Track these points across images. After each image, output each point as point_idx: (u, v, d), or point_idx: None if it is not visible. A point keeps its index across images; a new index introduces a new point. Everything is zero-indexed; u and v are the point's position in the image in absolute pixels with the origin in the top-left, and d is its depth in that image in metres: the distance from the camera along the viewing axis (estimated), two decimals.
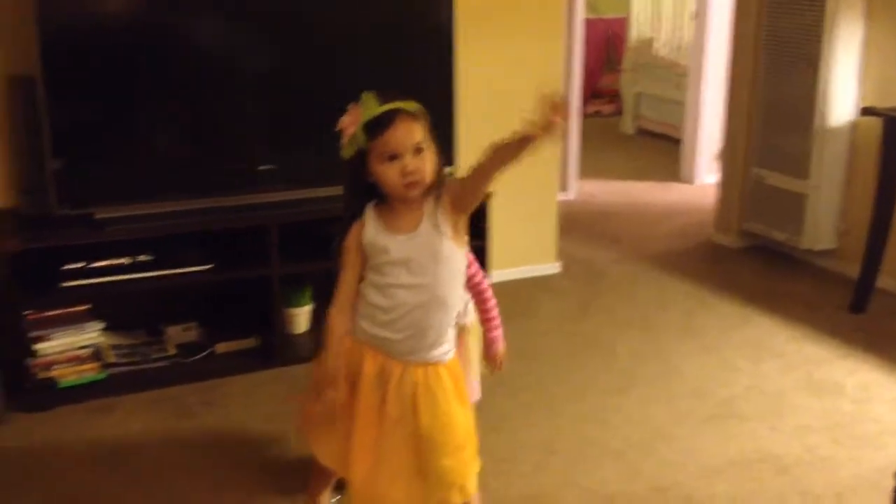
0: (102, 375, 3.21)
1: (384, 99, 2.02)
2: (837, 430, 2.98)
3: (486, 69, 3.96)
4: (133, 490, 2.61)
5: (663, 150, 6.91)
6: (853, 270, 4.01)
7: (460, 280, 2.09)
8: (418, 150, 1.99)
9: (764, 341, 3.64)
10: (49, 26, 2.93)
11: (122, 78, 3.10)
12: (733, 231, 4.78)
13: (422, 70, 3.52)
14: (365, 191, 2.06)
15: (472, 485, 2.15)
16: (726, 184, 4.86)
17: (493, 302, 2.46)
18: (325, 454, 2.21)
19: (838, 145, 4.22)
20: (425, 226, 2.01)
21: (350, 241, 2.09)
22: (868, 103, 4.04)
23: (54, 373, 3.14)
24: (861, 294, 3.91)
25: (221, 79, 3.26)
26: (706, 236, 4.95)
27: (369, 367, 2.08)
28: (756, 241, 4.69)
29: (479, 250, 3.60)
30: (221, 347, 3.43)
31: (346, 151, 2.05)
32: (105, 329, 3.29)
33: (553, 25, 4.16)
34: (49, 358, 3.14)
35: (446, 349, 2.10)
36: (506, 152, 1.92)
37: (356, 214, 2.08)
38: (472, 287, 2.38)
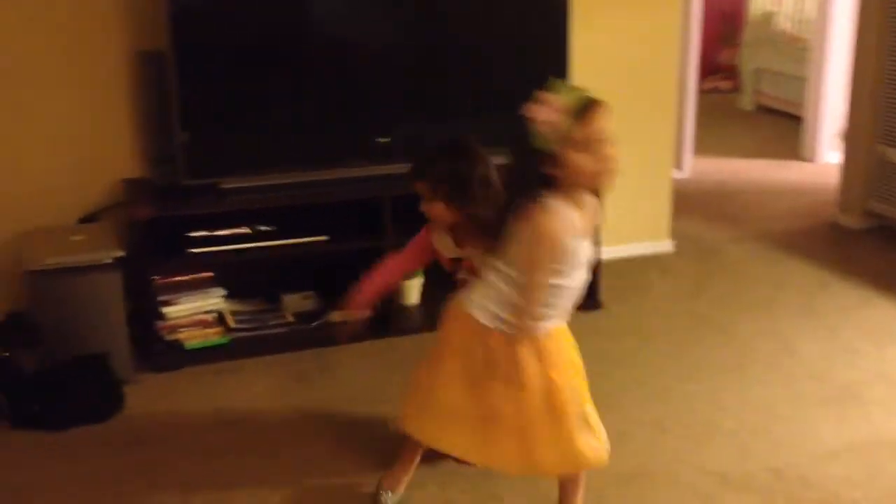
0: (226, 339, 3.34)
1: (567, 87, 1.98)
2: None
3: (601, 42, 3.92)
4: (255, 447, 2.73)
5: (783, 127, 6.71)
6: None
7: None
8: (607, 140, 1.96)
9: (887, 325, 3.52)
10: (178, 2, 3.04)
11: (247, 53, 3.21)
12: (856, 211, 4.62)
13: (537, 42, 3.52)
14: (538, 181, 1.98)
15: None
16: (849, 162, 4.69)
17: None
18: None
19: None
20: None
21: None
22: None
23: (181, 335, 3.28)
24: None
25: (344, 53, 3.34)
26: (828, 216, 4.80)
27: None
28: (881, 221, 4.53)
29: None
30: (336, 316, 3.52)
31: (544, 140, 1.93)
32: (227, 296, 3.42)
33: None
34: (176, 321, 3.29)
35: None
36: None
37: (519, 204, 2.00)
38: None
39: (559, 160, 1.95)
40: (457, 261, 2.48)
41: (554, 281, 2.05)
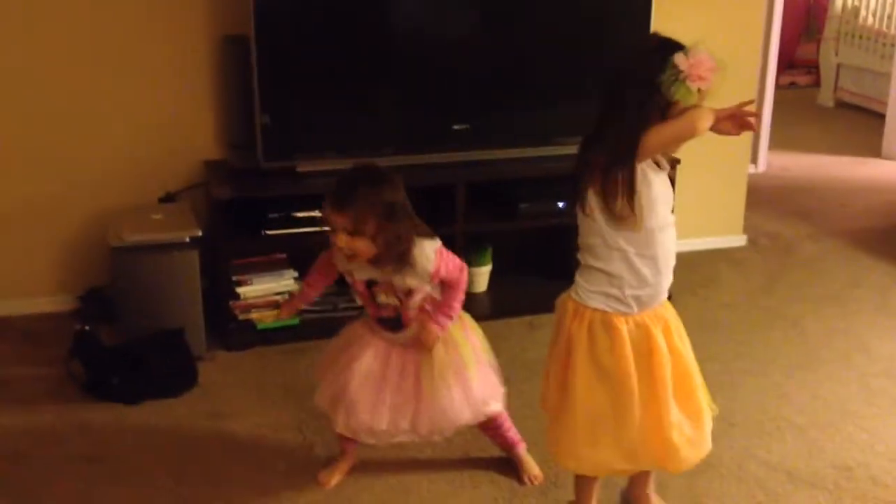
0: (296, 321, 3.39)
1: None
2: None
3: (683, 34, 3.86)
4: (320, 423, 2.78)
5: (864, 124, 6.55)
6: None
7: None
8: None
9: None
10: None
11: (328, 38, 3.26)
12: None
13: (620, 33, 3.51)
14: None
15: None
16: None
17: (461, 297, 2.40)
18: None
19: None
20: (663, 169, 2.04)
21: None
22: None
23: (253, 315, 3.35)
24: None
25: (423, 40, 3.38)
26: None
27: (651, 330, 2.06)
28: None
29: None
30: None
31: (686, 94, 1.92)
32: (299, 278, 3.48)
33: None
34: (249, 301, 3.36)
35: None
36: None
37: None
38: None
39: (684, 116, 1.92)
40: (372, 283, 2.34)
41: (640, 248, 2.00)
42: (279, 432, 2.76)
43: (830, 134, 6.46)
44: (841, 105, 7.18)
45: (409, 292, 2.30)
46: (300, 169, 3.29)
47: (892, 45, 6.14)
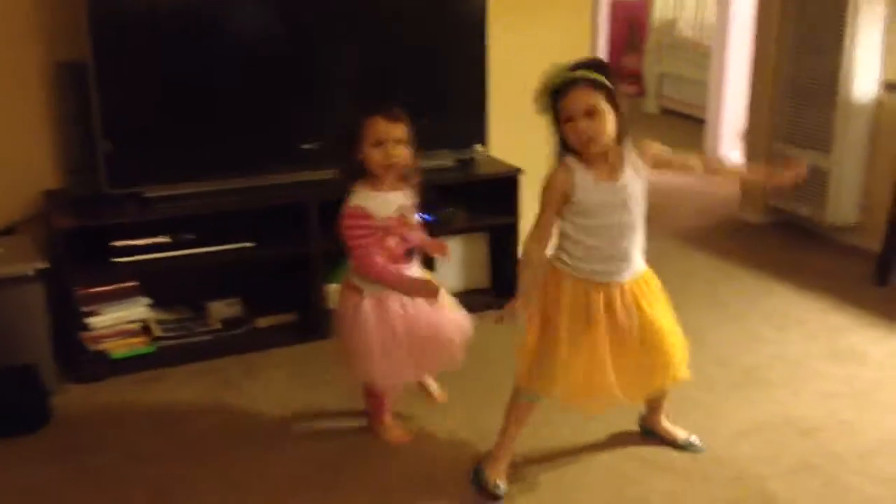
0: (151, 348, 3.35)
1: (576, 68, 2.37)
2: (860, 396, 3.07)
3: (514, 49, 4.05)
4: (184, 452, 2.76)
5: (687, 129, 6.98)
6: (875, 245, 4.09)
7: (642, 210, 2.51)
8: (590, 114, 2.34)
9: (787, 312, 3.74)
10: (98, 12, 3.05)
11: (169, 62, 3.24)
12: (758, 207, 4.86)
13: (455, 50, 3.64)
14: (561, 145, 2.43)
15: (683, 371, 2.63)
16: (750, 160, 4.93)
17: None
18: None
19: (861, 121, 4.29)
20: (628, 172, 2.42)
21: (556, 184, 2.42)
22: (890, 78, 4.11)
23: (106, 345, 3.28)
24: (883, 267, 4.00)
25: (265, 59, 3.38)
26: (731, 212, 5.03)
27: (595, 297, 2.47)
28: (780, 216, 4.78)
29: (509, 227, 3.72)
30: (262, 322, 3.57)
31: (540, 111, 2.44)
32: (151, 305, 3.43)
33: (580, 6, 4.25)
34: (100, 332, 3.28)
35: (642, 263, 2.56)
36: (721, 171, 2.65)
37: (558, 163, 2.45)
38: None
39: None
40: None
41: (582, 221, 2.46)
42: (140, 463, 2.71)
43: (657, 139, 6.69)
44: (665, 112, 7.62)
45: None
46: (146, 194, 3.24)
47: (708, 55, 6.57)
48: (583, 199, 2.41)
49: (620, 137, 2.41)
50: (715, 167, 2.65)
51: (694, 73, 7.15)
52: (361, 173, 2.62)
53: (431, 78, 3.63)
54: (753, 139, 4.91)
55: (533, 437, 2.77)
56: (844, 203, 4.39)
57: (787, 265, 4.24)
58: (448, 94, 3.68)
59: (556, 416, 2.86)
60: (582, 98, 2.34)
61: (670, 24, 7.62)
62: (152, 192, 3.25)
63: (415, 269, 2.72)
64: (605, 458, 2.73)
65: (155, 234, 3.28)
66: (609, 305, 2.48)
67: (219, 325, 3.51)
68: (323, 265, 3.54)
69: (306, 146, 3.44)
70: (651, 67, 7.72)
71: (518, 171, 3.68)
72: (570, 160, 2.42)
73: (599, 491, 2.57)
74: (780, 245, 4.54)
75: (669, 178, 5.75)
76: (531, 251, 2.44)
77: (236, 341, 3.46)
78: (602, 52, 5.65)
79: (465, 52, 3.67)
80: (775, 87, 4.66)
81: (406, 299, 2.64)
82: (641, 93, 8.03)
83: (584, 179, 2.40)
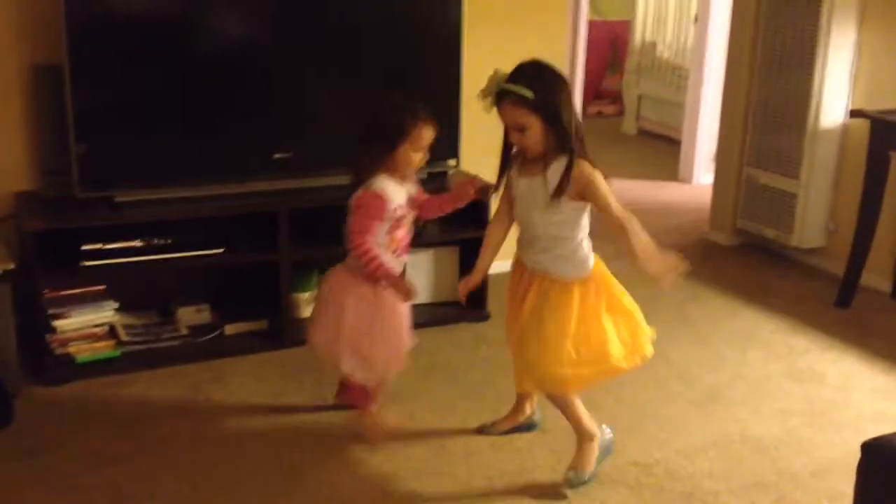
0: (117, 353, 3.35)
1: (512, 78, 2.48)
2: (817, 415, 3.12)
3: (490, 68, 4.08)
4: (147, 455, 2.77)
5: (663, 150, 7.05)
6: (840, 268, 4.15)
7: (569, 226, 2.59)
8: (519, 128, 2.47)
9: (751, 332, 3.79)
10: (75, 16, 3.08)
11: (144, 68, 3.27)
12: (727, 229, 4.93)
13: (431, 67, 3.69)
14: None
15: (548, 384, 2.67)
16: (720, 183, 5.00)
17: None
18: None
19: (829, 147, 4.37)
20: (548, 177, 2.50)
21: (506, 172, 2.64)
22: (858, 106, 4.19)
23: (71, 349, 3.28)
24: (846, 290, 4.06)
25: (240, 68, 3.42)
26: (701, 234, 5.09)
27: (518, 277, 2.70)
28: (749, 238, 4.84)
29: (480, 242, 3.75)
30: (231, 329, 3.58)
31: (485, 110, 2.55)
32: (119, 309, 3.44)
33: (557, 27, 4.30)
34: (67, 335, 3.29)
35: (560, 268, 2.61)
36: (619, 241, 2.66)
37: (506, 157, 2.64)
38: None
39: None
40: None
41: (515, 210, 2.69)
42: (103, 466, 2.72)
43: (634, 160, 6.92)
44: (643, 133, 7.70)
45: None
46: (118, 199, 3.26)
47: (686, 78, 6.66)
48: (512, 189, 2.62)
49: (564, 147, 2.48)
50: (616, 235, 2.63)
51: (672, 95, 7.23)
52: (382, 165, 2.70)
53: (408, 90, 3.65)
54: (724, 162, 4.98)
55: (490, 455, 2.81)
56: (811, 226, 4.46)
57: (754, 287, 4.30)
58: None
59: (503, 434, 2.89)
60: (508, 113, 2.48)
61: (651, 46, 7.71)
62: (123, 197, 3.27)
63: (398, 268, 2.81)
64: (558, 470, 2.74)
65: (125, 239, 3.29)
66: (524, 289, 2.67)
67: (186, 331, 3.53)
68: (293, 273, 3.57)
69: (278, 155, 3.47)
70: (630, 88, 7.80)
71: (489, 185, 3.71)
72: (514, 156, 2.63)
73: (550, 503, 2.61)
74: (748, 267, 4.60)
75: (639, 198, 5.84)
76: (486, 231, 2.74)
77: (204, 347, 3.48)
78: (580, 72, 5.72)
79: (440, 69, 3.71)
80: (746, 111, 4.73)
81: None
82: (620, 113, 8.12)
83: (517, 172, 2.61)
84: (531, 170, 2.56)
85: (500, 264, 4.18)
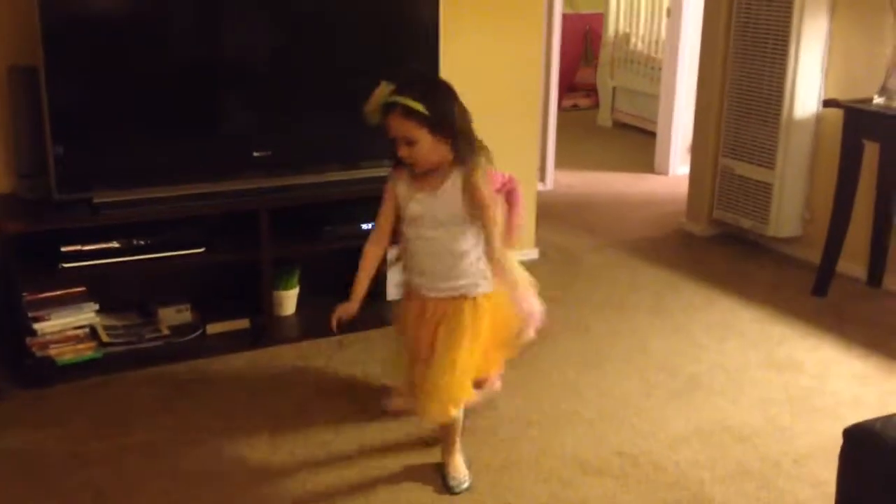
0: (99, 354, 3.34)
1: (401, 91, 2.40)
2: (796, 402, 3.17)
3: (467, 63, 4.11)
4: (130, 456, 2.76)
5: (639, 142, 7.10)
6: (816, 257, 4.20)
7: (471, 239, 2.50)
8: (408, 141, 2.39)
9: (729, 321, 3.83)
10: (50, 17, 3.05)
11: (121, 68, 3.24)
12: (703, 219, 4.97)
13: (410, 56, 3.68)
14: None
15: (452, 409, 2.54)
16: (696, 174, 5.04)
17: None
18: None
19: (803, 136, 4.41)
20: (446, 189, 2.44)
21: (388, 189, 2.54)
22: (831, 96, 4.24)
23: (52, 351, 3.26)
24: (822, 279, 4.11)
25: (218, 67, 3.41)
26: (678, 225, 5.13)
27: (412, 306, 2.58)
28: (725, 229, 4.89)
29: None
30: (212, 328, 3.57)
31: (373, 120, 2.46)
32: (100, 310, 3.42)
33: (532, 20, 4.32)
34: (47, 337, 3.26)
35: (464, 285, 2.51)
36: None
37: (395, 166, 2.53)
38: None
39: None
40: None
41: (405, 231, 2.56)
42: (85, 468, 2.71)
43: (609, 152, 6.96)
44: (618, 125, 7.74)
45: None
46: (96, 200, 3.24)
47: (660, 69, 6.69)
48: (405, 209, 2.51)
49: (457, 160, 2.43)
50: (492, 265, 2.52)
51: (646, 87, 7.27)
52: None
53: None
54: (699, 153, 5.02)
55: (474, 447, 2.83)
56: (787, 216, 4.51)
57: (731, 277, 4.34)
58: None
59: (487, 426, 2.90)
60: (396, 126, 2.40)
61: (624, 39, 7.75)
62: (102, 198, 3.25)
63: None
64: (543, 461, 2.78)
65: (104, 240, 3.27)
66: (419, 318, 2.54)
67: (168, 332, 3.52)
68: (274, 272, 3.57)
69: (258, 154, 3.47)
70: (604, 81, 7.84)
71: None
72: (399, 170, 2.52)
73: (535, 495, 2.63)
74: (725, 257, 4.65)
75: (616, 190, 5.90)
76: (363, 251, 2.60)
77: (186, 347, 3.47)
78: (555, 65, 5.74)
79: (417, 63, 3.71)
80: (721, 102, 4.77)
81: None
82: (595, 106, 8.15)
83: (407, 189, 2.50)
84: (427, 186, 2.48)
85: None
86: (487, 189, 2.47)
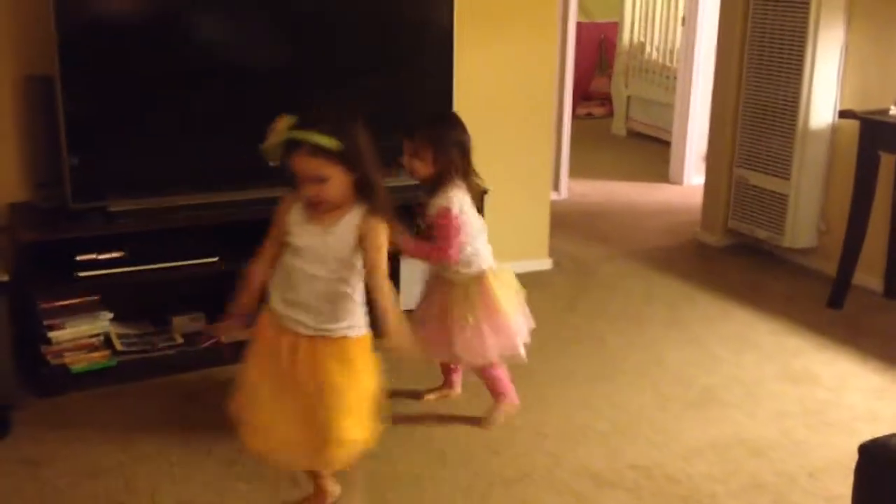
0: (113, 363, 3.34)
1: (305, 124, 2.24)
2: (812, 416, 3.14)
3: (481, 70, 4.11)
4: (143, 467, 2.77)
5: (653, 151, 7.08)
6: (832, 268, 4.18)
7: (354, 280, 2.35)
8: (317, 180, 2.23)
9: (744, 333, 3.81)
10: (66, 26, 3.08)
11: (136, 78, 3.26)
12: (718, 230, 4.95)
13: (423, 70, 3.70)
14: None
15: (349, 451, 2.38)
16: (711, 184, 5.02)
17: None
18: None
19: (819, 147, 4.39)
20: (340, 227, 2.29)
21: (280, 210, 2.39)
22: (847, 106, 4.21)
23: (67, 359, 3.27)
24: (838, 290, 4.08)
25: (233, 76, 3.42)
26: (692, 235, 5.11)
27: (284, 341, 2.36)
28: (740, 239, 4.86)
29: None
30: (226, 337, 3.56)
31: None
32: (114, 319, 3.43)
33: (547, 29, 4.32)
34: (62, 346, 3.27)
35: (345, 326, 2.35)
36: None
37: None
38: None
39: None
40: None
41: (286, 259, 2.40)
42: (98, 477, 2.71)
43: (623, 161, 6.94)
44: (632, 134, 7.73)
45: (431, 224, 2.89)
46: (111, 209, 3.26)
47: (675, 78, 6.68)
48: (293, 237, 2.34)
49: (365, 195, 2.29)
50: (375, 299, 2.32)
51: (661, 96, 7.26)
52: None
53: (398, 97, 3.67)
54: (714, 163, 5.00)
55: (487, 456, 2.82)
56: (803, 227, 4.48)
57: (746, 287, 4.32)
58: (414, 114, 3.73)
59: (501, 438, 2.89)
60: (303, 165, 2.23)
61: (639, 48, 7.74)
62: (117, 207, 3.27)
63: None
64: (556, 474, 2.77)
65: (119, 249, 3.28)
66: (292, 355, 2.35)
67: (182, 340, 3.52)
68: None
69: (273, 163, 3.46)
70: (619, 90, 7.83)
71: (483, 190, 3.73)
72: (295, 195, 2.34)
73: None
74: (740, 268, 4.62)
75: (630, 199, 5.88)
76: (247, 270, 2.45)
77: (200, 356, 3.46)
78: (570, 74, 5.73)
79: (432, 71, 3.73)
80: (736, 112, 4.75)
81: None
82: (609, 114, 8.14)
83: (300, 217, 2.33)
84: (322, 220, 2.31)
85: (522, 264, 4.23)
86: (383, 236, 2.31)
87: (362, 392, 2.35)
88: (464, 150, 2.88)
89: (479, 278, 2.94)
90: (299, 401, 2.34)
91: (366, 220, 2.29)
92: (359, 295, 2.37)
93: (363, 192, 2.29)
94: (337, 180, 2.24)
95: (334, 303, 2.33)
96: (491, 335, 2.91)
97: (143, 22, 3.29)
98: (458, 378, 3.21)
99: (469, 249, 2.92)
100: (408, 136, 2.87)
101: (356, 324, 2.37)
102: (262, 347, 2.43)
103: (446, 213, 2.83)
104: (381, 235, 2.30)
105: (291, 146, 2.23)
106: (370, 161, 2.28)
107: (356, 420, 2.35)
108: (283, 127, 2.25)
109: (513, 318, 2.96)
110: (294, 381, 2.34)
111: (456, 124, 2.92)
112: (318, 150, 2.20)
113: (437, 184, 2.86)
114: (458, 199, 2.84)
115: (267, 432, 2.39)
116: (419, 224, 2.97)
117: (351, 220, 2.30)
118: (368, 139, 2.30)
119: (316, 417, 2.32)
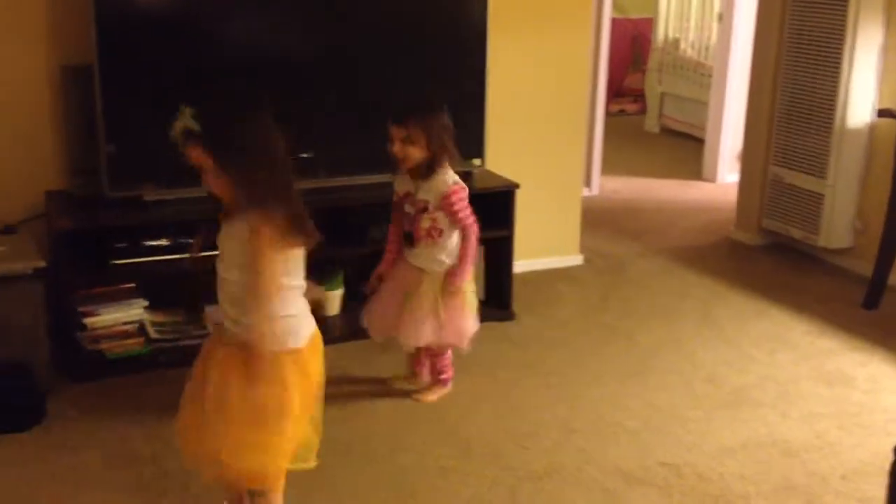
0: (146, 350, 3.38)
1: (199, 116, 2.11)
2: (845, 417, 3.11)
3: (514, 66, 4.10)
4: (173, 453, 2.78)
5: (687, 148, 7.02)
6: (868, 269, 4.12)
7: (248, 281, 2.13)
8: (202, 170, 2.10)
9: (778, 333, 3.77)
10: (105, 16, 3.11)
11: (172, 68, 3.29)
12: (753, 228, 4.90)
13: (456, 65, 3.70)
14: None
15: (243, 470, 2.18)
16: (746, 182, 4.98)
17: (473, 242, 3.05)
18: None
19: (856, 146, 4.34)
20: (234, 229, 2.11)
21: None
22: (885, 105, 4.16)
23: (102, 346, 3.31)
24: (874, 291, 4.03)
25: (267, 69, 3.43)
26: (726, 233, 5.07)
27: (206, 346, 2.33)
28: (775, 238, 4.81)
29: (505, 240, 3.77)
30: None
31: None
32: (148, 307, 3.46)
33: (581, 25, 4.30)
34: (97, 332, 3.32)
35: (249, 336, 2.12)
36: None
37: None
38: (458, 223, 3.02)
39: None
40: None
41: None
42: (132, 462, 2.74)
43: (656, 158, 6.90)
44: (665, 131, 7.67)
45: (424, 208, 2.97)
46: (147, 197, 3.29)
47: (710, 76, 6.62)
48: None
49: (250, 199, 2.07)
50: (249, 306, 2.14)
51: (695, 93, 7.19)
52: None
53: (433, 92, 3.66)
54: (749, 161, 4.96)
55: (516, 454, 2.81)
56: (838, 226, 4.43)
57: (780, 287, 4.27)
58: (448, 109, 3.73)
59: (530, 433, 2.88)
60: (191, 151, 2.10)
61: (674, 44, 7.68)
62: (153, 196, 3.29)
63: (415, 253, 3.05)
64: (585, 470, 2.76)
65: (154, 237, 3.31)
66: (205, 361, 2.24)
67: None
68: (321, 272, 3.58)
69: (303, 155, 3.48)
70: (653, 86, 7.77)
71: (515, 185, 3.72)
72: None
73: None
74: (774, 267, 4.58)
75: (662, 196, 5.84)
76: None
77: None
78: (603, 70, 5.70)
79: (465, 68, 3.72)
80: (772, 110, 4.70)
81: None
82: (642, 111, 8.09)
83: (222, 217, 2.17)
84: (226, 219, 2.15)
85: (526, 263, 4.22)
86: (263, 242, 2.06)
87: (258, 412, 2.10)
88: (451, 133, 2.98)
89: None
90: (199, 411, 2.18)
91: (250, 223, 2.05)
92: (280, 306, 2.12)
93: (241, 188, 2.06)
94: (210, 171, 2.07)
95: (228, 301, 2.17)
96: (439, 328, 3.02)
97: (181, 12, 3.31)
98: (424, 369, 3.24)
99: (455, 240, 3.02)
100: (397, 123, 2.94)
101: (271, 332, 2.10)
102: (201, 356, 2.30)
103: (456, 188, 2.98)
104: (261, 241, 2.03)
105: (182, 136, 2.11)
106: (250, 155, 2.08)
107: (246, 441, 2.13)
108: (182, 114, 2.11)
109: (470, 316, 3.09)
110: (203, 389, 2.18)
111: (442, 109, 3.00)
112: (190, 134, 2.08)
113: (430, 168, 2.95)
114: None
115: (188, 445, 2.28)
116: (407, 228, 3.07)
117: (241, 222, 2.07)
118: (267, 137, 2.13)
119: (209, 430, 2.16)
